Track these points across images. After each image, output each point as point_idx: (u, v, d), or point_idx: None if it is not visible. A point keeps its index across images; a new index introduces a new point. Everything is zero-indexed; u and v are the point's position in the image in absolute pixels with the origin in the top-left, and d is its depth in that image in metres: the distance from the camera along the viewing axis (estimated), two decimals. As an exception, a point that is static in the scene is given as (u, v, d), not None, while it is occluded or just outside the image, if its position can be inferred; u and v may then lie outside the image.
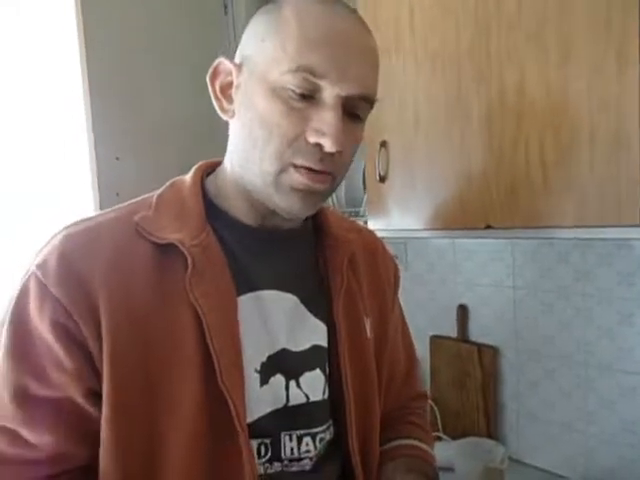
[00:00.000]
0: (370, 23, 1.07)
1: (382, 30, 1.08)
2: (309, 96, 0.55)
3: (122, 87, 1.20)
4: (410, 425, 0.80)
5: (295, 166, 0.56)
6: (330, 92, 0.54)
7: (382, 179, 1.09)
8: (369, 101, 0.58)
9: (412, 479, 0.68)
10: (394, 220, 1.10)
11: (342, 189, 1.32)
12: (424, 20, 1.00)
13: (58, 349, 0.53)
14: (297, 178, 0.56)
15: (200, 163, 0.68)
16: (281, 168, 0.56)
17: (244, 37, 0.61)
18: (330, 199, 1.37)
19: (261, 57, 0.57)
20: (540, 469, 1.25)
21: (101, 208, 1.16)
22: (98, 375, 0.54)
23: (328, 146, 0.54)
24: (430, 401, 1.40)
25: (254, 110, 0.57)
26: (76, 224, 0.59)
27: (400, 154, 1.07)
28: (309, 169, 0.56)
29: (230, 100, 0.61)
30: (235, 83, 0.60)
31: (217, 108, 0.62)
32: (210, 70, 0.61)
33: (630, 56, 0.74)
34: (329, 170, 0.57)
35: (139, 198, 0.64)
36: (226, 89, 0.61)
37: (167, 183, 0.66)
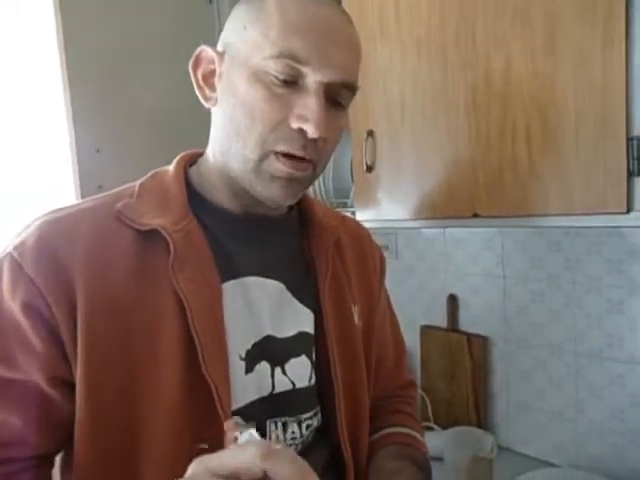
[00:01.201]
0: (355, 11, 1.08)
1: (367, 18, 1.06)
2: (291, 82, 0.55)
3: (103, 78, 1.17)
4: (400, 414, 0.80)
5: (276, 153, 0.56)
6: (313, 78, 0.55)
7: (369, 169, 1.08)
8: (351, 89, 0.59)
9: (402, 465, 0.68)
10: (382, 210, 1.09)
11: (330, 180, 1.31)
12: (409, 7, 0.98)
13: (27, 331, 0.52)
14: (278, 166, 0.56)
15: (183, 153, 0.67)
16: (263, 155, 0.56)
17: (226, 25, 0.62)
18: (318, 190, 1.36)
19: (243, 44, 0.57)
20: (530, 457, 1.26)
21: (83, 201, 1.14)
22: (68, 362, 0.53)
23: (311, 132, 0.54)
24: (421, 391, 1.40)
25: (236, 96, 0.57)
26: (57, 210, 0.59)
27: (387, 143, 1.06)
28: (290, 156, 0.56)
29: (213, 88, 0.61)
30: (218, 71, 0.60)
31: (200, 96, 0.62)
32: (192, 58, 0.61)
33: (616, 39, 0.73)
34: (311, 157, 0.57)
35: (121, 187, 0.64)
36: (208, 77, 0.61)
37: (149, 173, 0.65)
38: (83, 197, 1.16)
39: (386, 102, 1.05)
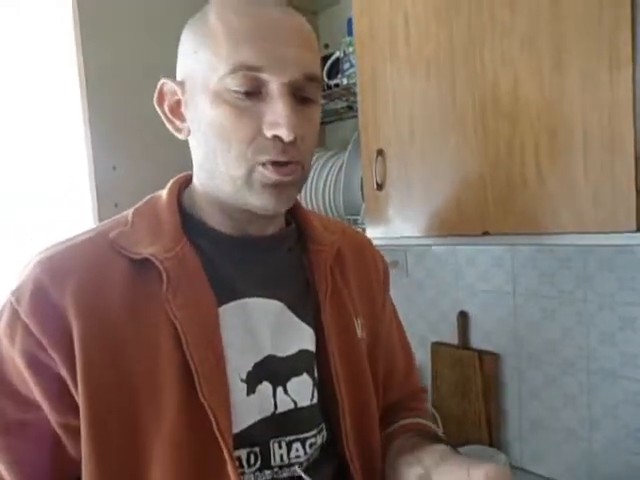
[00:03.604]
0: (365, 32, 1.10)
1: (377, 39, 1.08)
2: (255, 92, 0.55)
3: (120, 96, 1.20)
4: (414, 410, 0.80)
5: (262, 164, 0.56)
6: (274, 83, 0.54)
7: (379, 187, 1.09)
8: (315, 80, 0.58)
9: (443, 449, 0.62)
10: (392, 227, 1.10)
11: (340, 197, 1.32)
12: (419, 28, 1.01)
13: (28, 378, 0.53)
14: (267, 174, 0.56)
15: (177, 177, 0.68)
16: (249, 169, 0.56)
17: (179, 54, 0.62)
18: (329, 207, 1.38)
19: (198, 69, 0.57)
20: (543, 477, 1.24)
21: (100, 219, 1.16)
22: (74, 403, 0.54)
23: (285, 135, 0.54)
24: (432, 408, 1.39)
25: (206, 122, 0.57)
26: (51, 248, 0.58)
27: (396, 162, 1.07)
28: (275, 163, 0.56)
29: (182, 118, 0.61)
30: (183, 100, 0.60)
31: (172, 130, 0.62)
32: (155, 94, 0.61)
33: (622, 60, 0.74)
34: (295, 159, 0.57)
35: (117, 216, 0.64)
36: (175, 109, 0.61)
37: (144, 198, 0.66)
38: (100, 214, 1.19)
39: (396, 121, 1.06)
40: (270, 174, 0.56)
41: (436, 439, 0.66)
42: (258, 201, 0.58)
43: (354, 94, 1.28)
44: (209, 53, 0.56)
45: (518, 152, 0.87)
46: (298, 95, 0.57)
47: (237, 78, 0.54)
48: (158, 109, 0.62)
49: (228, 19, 0.55)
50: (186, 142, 0.63)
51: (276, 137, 0.55)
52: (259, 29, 0.54)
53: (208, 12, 0.57)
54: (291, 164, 0.57)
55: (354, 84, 1.22)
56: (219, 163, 0.57)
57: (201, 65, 0.57)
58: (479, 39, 0.91)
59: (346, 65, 1.32)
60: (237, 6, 0.56)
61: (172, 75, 0.62)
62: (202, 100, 0.57)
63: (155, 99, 0.62)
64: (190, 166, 0.67)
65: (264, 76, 0.54)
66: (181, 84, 0.60)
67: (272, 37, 0.54)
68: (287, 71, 0.54)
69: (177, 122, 0.61)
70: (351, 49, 1.29)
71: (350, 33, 1.30)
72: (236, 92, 0.54)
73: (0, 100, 1.25)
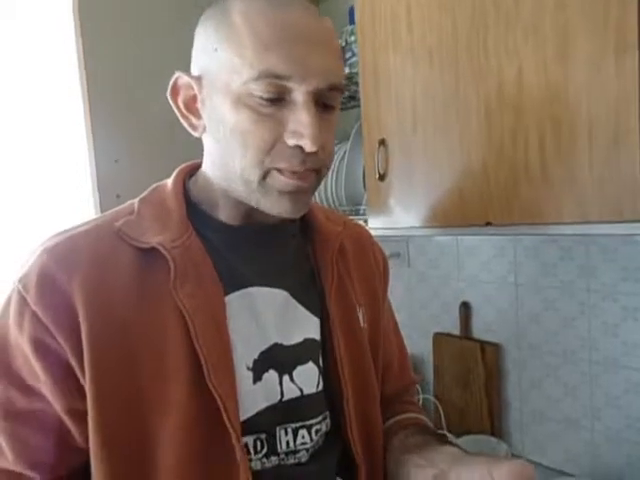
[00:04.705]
0: (367, 20, 1.09)
1: (380, 27, 1.07)
2: (278, 99, 0.54)
3: (120, 92, 1.20)
4: (409, 404, 0.81)
5: (278, 170, 0.56)
6: (299, 91, 0.54)
7: (381, 177, 1.09)
8: (339, 89, 0.57)
9: (428, 438, 0.67)
10: (394, 218, 1.09)
11: (342, 188, 1.32)
12: (421, 16, 0.99)
13: (36, 364, 0.53)
14: (283, 180, 0.56)
15: (181, 166, 0.67)
16: (263, 173, 0.56)
17: (195, 47, 0.60)
18: (331, 198, 1.37)
19: (219, 68, 0.55)
20: (545, 467, 1.24)
21: (102, 211, 1.16)
22: (81, 388, 0.54)
23: (308, 147, 0.54)
24: (434, 399, 1.40)
25: (225, 123, 0.56)
26: (57, 236, 0.58)
27: (399, 152, 1.07)
28: (293, 171, 0.56)
29: (198, 115, 0.60)
30: (199, 97, 0.58)
31: (186, 126, 0.61)
32: (169, 87, 0.60)
33: (628, 49, 0.73)
34: (313, 167, 0.57)
35: (122, 205, 0.64)
36: (191, 104, 0.60)
37: (149, 188, 0.66)
38: (102, 206, 1.19)
39: (398, 111, 1.06)
40: (287, 180, 0.56)
41: (439, 438, 0.67)
42: (274, 207, 0.58)
43: (356, 83, 1.27)
44: (231, 53, 0.54)
45: (522, 142, 0.86)
46: (320, 102, 0.56)
47: (262, 85, 0.53)
48: (172, 103, 0.60)
49: (253, 19, 0.53)
50: (188, 135, 0.62)
51: (297, 146, 0.54)
52: (286, 34, 0.53)
53: (230, 8, 0.55)
54: (307, 171, 0.57)
55: (356, 73, 1.21)
56: (235, 166, 0.56)
57: (222, 64, 0.55)
58: (483, 28, 0.89)
59: (348, 54, 1.31)
60: (260, 5, 0.54)
61: (176, 69, 0.60)
62: (222, 101, 0.56)
63: (169, 93, 0.60)
64: (191, 158, 0.67)
65: (289, 84, 0.53)
66: (198, 79, 0.58)
67: (300, 44, 0.53)
68: (314, 80, 0.54)
69: (193, 119, 0.60)
70: (353, 38, 1.27)
71: (352, 22, 1.29)
72: (260, 97, 0.53)
73: (2, 93, 1.24)
